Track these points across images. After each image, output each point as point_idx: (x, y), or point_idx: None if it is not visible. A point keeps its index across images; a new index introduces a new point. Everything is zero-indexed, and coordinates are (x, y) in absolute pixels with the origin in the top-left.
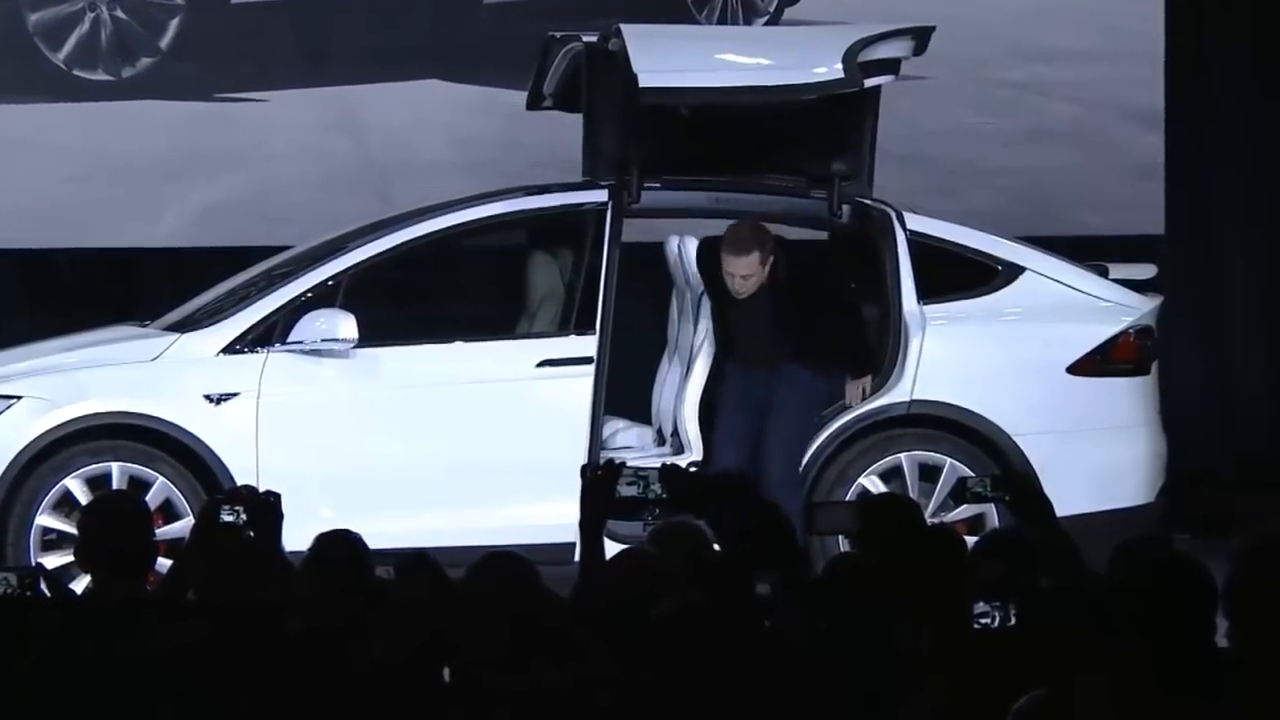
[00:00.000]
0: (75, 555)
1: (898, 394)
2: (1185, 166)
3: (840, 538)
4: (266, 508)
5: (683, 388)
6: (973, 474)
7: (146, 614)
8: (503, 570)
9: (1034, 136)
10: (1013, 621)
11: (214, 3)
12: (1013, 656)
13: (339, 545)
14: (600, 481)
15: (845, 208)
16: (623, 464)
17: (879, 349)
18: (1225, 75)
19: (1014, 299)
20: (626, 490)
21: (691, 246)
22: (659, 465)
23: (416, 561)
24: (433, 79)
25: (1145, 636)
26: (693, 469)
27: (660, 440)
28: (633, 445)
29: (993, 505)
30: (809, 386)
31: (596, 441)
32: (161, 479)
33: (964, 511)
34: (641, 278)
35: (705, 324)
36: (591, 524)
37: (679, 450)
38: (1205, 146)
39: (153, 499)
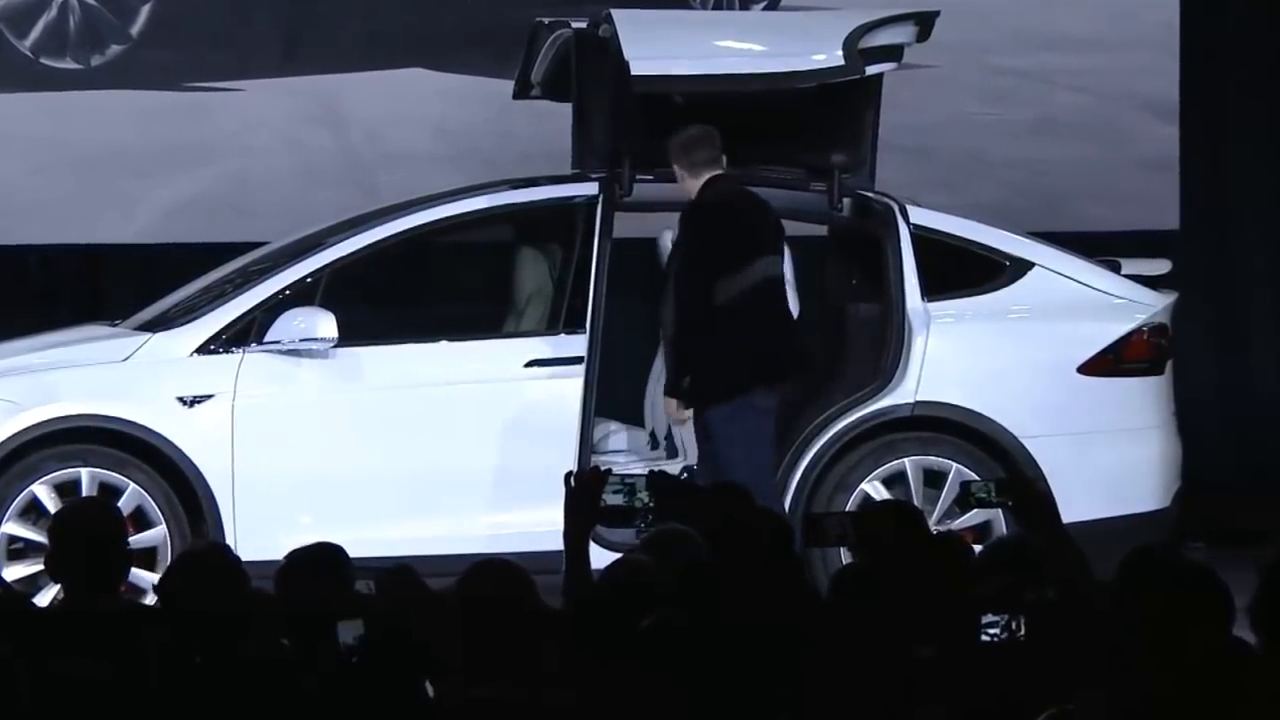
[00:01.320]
0: (46, 564)
1: (901, 395)
2: (1201, 159)
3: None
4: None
5: None
6: (978, 478)
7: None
8: (496, 579)
9: (1041, 127)
10: (1021, 634)
11: None
12: (1018, 669)
13: (317, 558)
14: (585, 489)
15: (846, 201)
16: (608, 471)
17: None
18: (1244, 64)
19: (1022, 296)
20: (612, 498)
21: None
22: (646, 472)
23: (397, 575)
24: (416, 68)
25: (1153, 646)
26: (684, 475)
27: (654, 444)
28: (624, 448)
29: (1000, 513)
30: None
31: (587, 444)
32: (133, 485)
33: (970, 519)
34: (634, 274)
35: None
36: (576, 534)
37: (673, 454)
38: (1222, 138)
39: (124, 506)
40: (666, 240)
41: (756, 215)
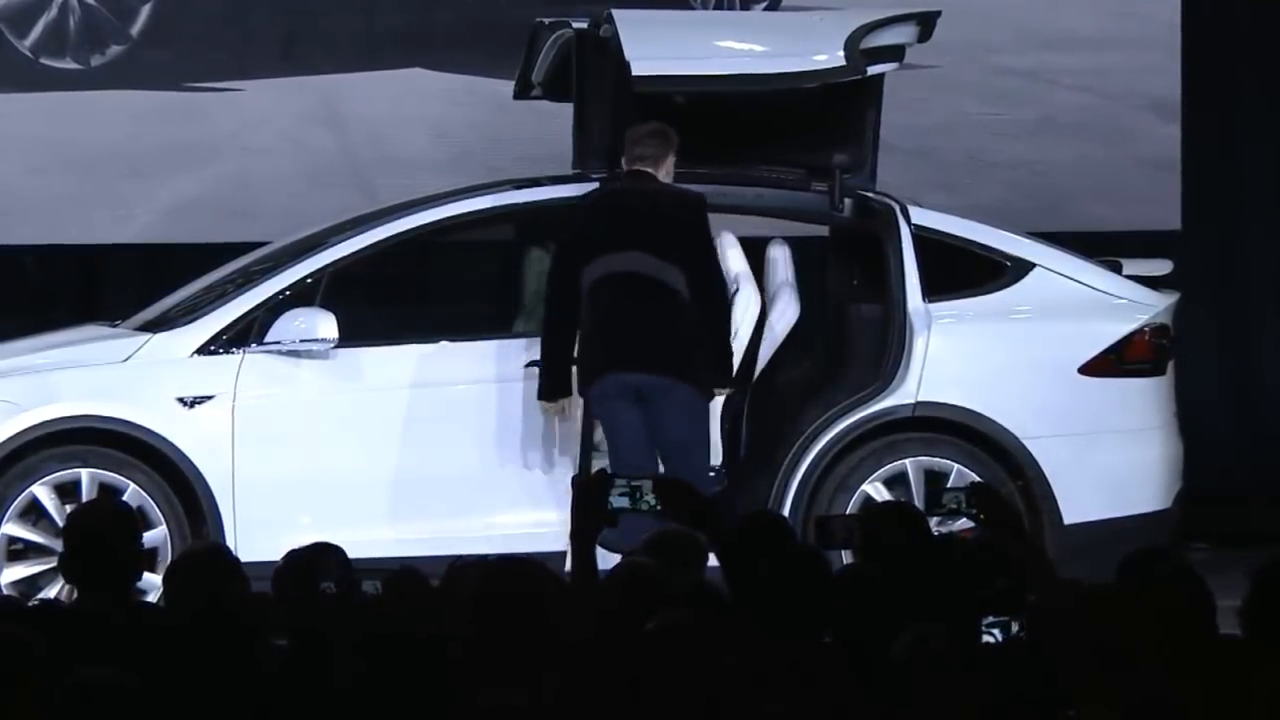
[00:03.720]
0: (60, 565)
1: (902, 396)
2: (1203, 159)
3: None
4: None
5: None
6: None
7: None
8: (514, 579)
9: (1043, 127)
10: (1021, 636)
11: None
12: (1018, 672)
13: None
14: (591, 492)
15: (847, 201)
16: (614, 474)
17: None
18: (1247, 63)
19: (1023, 296)
20: (618, 501)
21: (731, 242)
22: (651, 475)
23: (404, 576)
24: (416, 68)
25: (1152, 647)
26: (709, 473)
27: None
28: None
29: None
30: None
31: (588, 445)
32: (133, 486)
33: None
34: None
35: None
36: (582, 536)
37: None
38: (1225, 137)
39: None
40: (722, 242)
41: (619, 213)
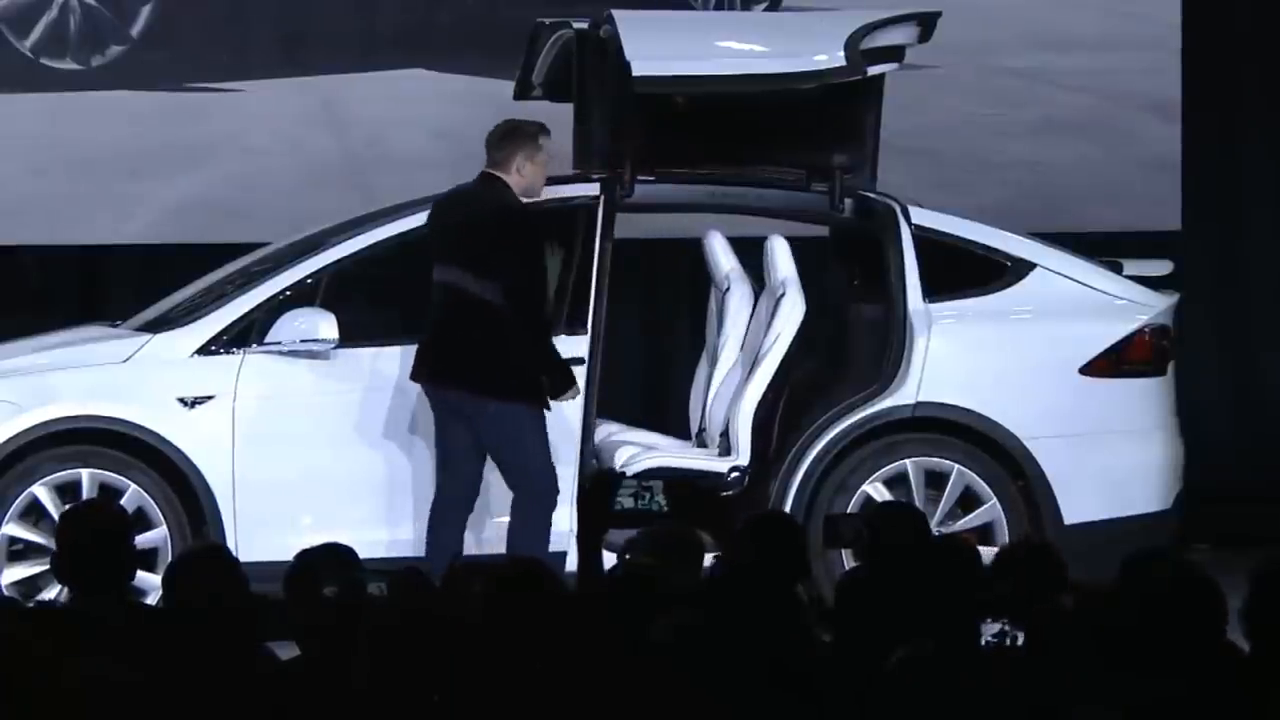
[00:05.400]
0: (52, 566)
1: (902, 397)
2: (1204, 159)
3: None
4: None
5: (743, 388)
6: (982, 481)
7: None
8: (516, 579)
9: (1044, 128)
10: (1019, 642)
11: None
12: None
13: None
14: (598, 492)
15: (848, 202)
16: (622, 474)
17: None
18: (1247, 63)
19: (1024, 297)
20: (627, 501)
21: (720, 242)
22: (657, 472)
23: (410, 577)
24: (416, 68)
25: (1152, 648)
26: (734, 473)
27: (701, 442)
28: (658, 445)
29: (1003, 514)
30: None
31: (588, 446)
32: (134, 486)
33: (972, 520)
34: (636, 274)
35: (753, 324)
36: (589, 536)
37: (726, 452)
38: (1226, 137)
39: (124, 507)
40: (712, 241)
41: (435, 220)
